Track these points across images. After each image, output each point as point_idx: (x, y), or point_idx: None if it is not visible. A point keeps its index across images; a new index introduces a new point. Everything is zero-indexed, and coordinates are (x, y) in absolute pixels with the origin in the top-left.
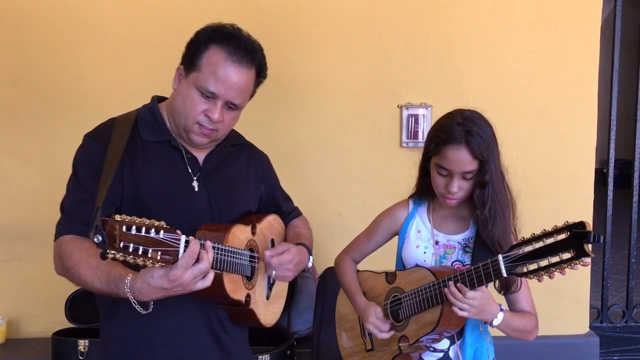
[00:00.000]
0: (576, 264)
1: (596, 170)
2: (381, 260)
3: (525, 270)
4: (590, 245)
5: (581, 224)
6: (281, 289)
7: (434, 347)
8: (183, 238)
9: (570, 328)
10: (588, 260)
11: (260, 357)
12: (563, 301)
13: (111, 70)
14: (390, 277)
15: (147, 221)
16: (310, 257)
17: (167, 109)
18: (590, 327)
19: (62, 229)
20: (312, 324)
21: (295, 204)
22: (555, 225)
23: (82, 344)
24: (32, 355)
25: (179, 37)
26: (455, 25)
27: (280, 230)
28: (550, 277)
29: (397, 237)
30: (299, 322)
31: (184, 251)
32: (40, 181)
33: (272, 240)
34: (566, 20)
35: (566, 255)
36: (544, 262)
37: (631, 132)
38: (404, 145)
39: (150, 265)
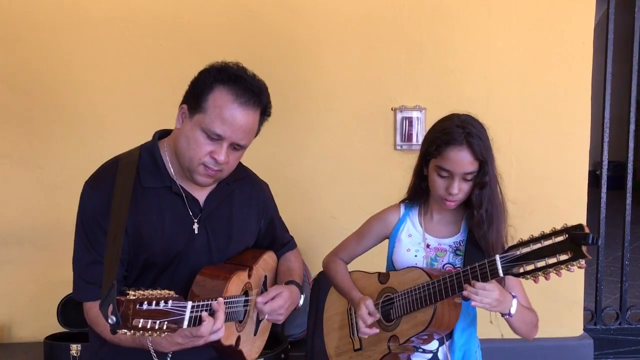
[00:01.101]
0: (573, 265)
1: (589, 172)
2: (371, 262)
3: (522, 270)
4: (586, 247)
5: (579, 227)
6: (267, 324)
7: (423, 348)
8: (189, 305)
9: (564, 330)
10: (584, 262)
11: None
12: (557, 304)
13: (103, 71)
14: (382, 277)
15: (158, 293)
16: (302, 295)
17: (168, 149)
18: (584, 329)
19: (82, 295)
20: (306, 327)
21: (290, 207)
22: (554, 228)
23: (75, 348)
24: (24, 359)
25: (172, 40)
26: (449, 28)
27: (273, 265)
28: (546, 278)
29: (387, 240)
30: (293, 325)
31: (189, 316)
32: (32, 184)
33: (265, 277)
34: (559, 22)
35: (563, 257)
36: (540, 263)
37: (624, 134)
38: (398, 148)
39: (156, 335)
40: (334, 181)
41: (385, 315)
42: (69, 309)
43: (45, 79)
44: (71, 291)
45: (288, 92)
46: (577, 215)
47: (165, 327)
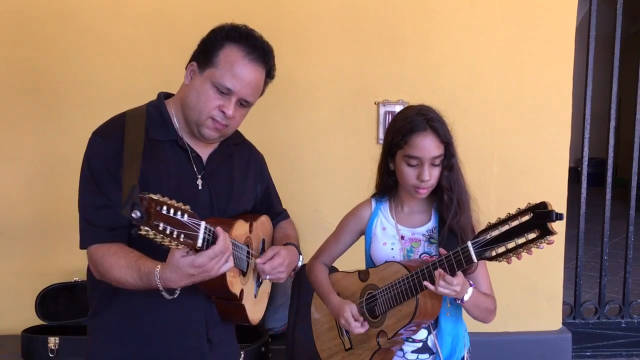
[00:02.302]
0: (542, 242)
1: (570, 168)
2: (351, 261)
3: (494, 253)
4: (553, 224)
5: (543, 204)
6: (267, 288)
7: (412, 338)
8: (203, 224)
9: (543, 324)
10: (552, 238)
11: None
12: (536, 297)
13: (84, 62)
14: (363, 275)
15: (176, 203)
16: (301, 256)
17: (175, 106)
18: (563, 323)
19: (89, 238)
20: (287, 320)
21: None
22: (519, 208)
23: (53, 342)
24: (1, 352)
25: (154, 31)
26: (433, 23)
27: (270, 230)
28: (518, 258)
29: (363, 237)
30: (274, 318)
31: (203, 236)
32: (10, 175)
33: (263, 241)
34: (542, 19)
35: (531, 236)
36: (511, 244)
37: (605, 131)
38: (381, 142)
39: (174, 246)
40: (316, 174)
41: (370, 312)
42: (47, 302)
43: (24, 71)
44: (50, 284)
45: (270, 85)
46: (558, 210)
47: (182, 239)
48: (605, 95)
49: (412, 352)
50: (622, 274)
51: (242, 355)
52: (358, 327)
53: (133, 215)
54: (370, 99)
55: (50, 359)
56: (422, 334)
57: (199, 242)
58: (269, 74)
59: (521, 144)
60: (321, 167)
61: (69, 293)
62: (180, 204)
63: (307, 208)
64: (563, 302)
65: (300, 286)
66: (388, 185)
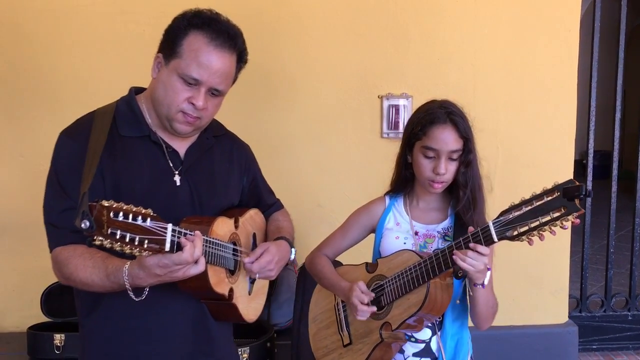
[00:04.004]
0: (567, 220)
1: (576, 161)
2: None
3: (516, 233)
4: (579, 201)
5: (570, 181)
6: (262, 285)
7: (415, 338)
8: (170, 226)
9: (550, 318)
10: (577, 215)
11: (240, 349)
12: (542, 291)
13: (85, 60)
14: (370, 267)
15: (135, 208)
16: (293, 249)
17: (146, 101)
18: (570, 316)
19: (54, 241)
20: (292, 316)
21: (276, 195)
22: (545, 187)
23: (58, 338)
24: (7, 350)
25: (156, 26)
26: (436, 16)
27: (262, 224)
28: (540, 238)
29: (371, 236)
30: (279, 314)
31: (171, 239)
32: (13, 173)
33: (254, 235)
34: (546, 11)
35: (556, 214)
36: (534, 223)
37: (610, 123)
38: (385, 136)
39: (138, 254)
40: (320, 169)
41: (376, 303)
42: (52, 299)
43: (25, 68)
44: (55, 281)
45: (273, 79)
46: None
47: (146, 245)
48: (610, 87)
49: (414, 354)
50: (628, 266)
51: (248, 351)
52: (368, 308)
53: (82, 225)
54: (373, 92)
55: (56, 355)
56: (426, 334)
57: (167, 247)
58: (241, 58)
59: (526, 137)
60: (324, 161)
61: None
62: (140, 208)
63: (310, 203)
64: (569, 295)
65: (305, 281)
66: (405, 179)
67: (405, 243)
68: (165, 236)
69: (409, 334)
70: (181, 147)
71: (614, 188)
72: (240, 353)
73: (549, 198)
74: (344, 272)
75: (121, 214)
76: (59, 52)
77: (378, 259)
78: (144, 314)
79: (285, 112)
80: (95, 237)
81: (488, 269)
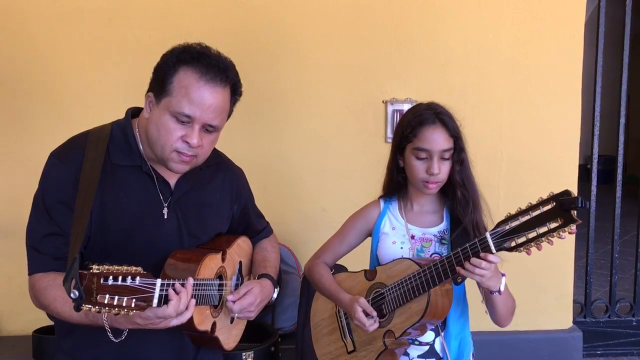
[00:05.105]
0: (564, 231)
1: (580, 166)
2: (356, 263)
3: (513, 244)
4: (575, 212)
5: (566, 192)
6: None
7: (419, 341)
8: (158, 282)
9: (554, 323)
10: (574, 227)
11: (244, 353)
12: (547, 296)
13: (92, 64)
14: (369, 274)
15: (125, 269)
16: (275, 289)
17: (141, 130)
18: (574, 322)
19: (34, 266)
20: (296, 320)
21: (280, 200)
22: (540, 197)
23: None
24: (13, 353)
25: (162, 31)
26: (440, 21)
27: (249, 251)
28: (538, 248)
29: (368, 239)
30: (284, 318)
31: (159, 294)
32: (20, 176)
33: (240, 263)
34: (551, 15)
35: (553, 225)
36: (532, 234)
37: (615, 128)
38: (389, 140)
39: (124, 313)
40: (324, 174)
41: (378, 311)
42: None
43: (31, 72)
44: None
45: (277, 83)
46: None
47: (133, 304)
48: (615, 92)
49: (419, 356)
50: (632, 271)
51: (253, 355)
52: (372, 325)
53: (72, 295)
54: (377, 97)
55: None
56: (429, 336)
57: (154, 303)
58: (235, 91)
59: (530, 142)
60: (329, 166)
61: None
62: (130, 268)
63: (315, 207)
64: (573, 300)
65: (309, 285)
66: (397, 183)
67: (402, 248)
68: (154, 292)
69: (413, 339)
70: (172, 177)
71: (619, 193)
72: (244, 357)
73: (545, 208)
74: (342, 280)
75: (111, 277)
76: (65, 56)
77: (377, 267)
78: (128, 343)
79: (290, 117)
80: (83, 305)
81: (503, 275)
